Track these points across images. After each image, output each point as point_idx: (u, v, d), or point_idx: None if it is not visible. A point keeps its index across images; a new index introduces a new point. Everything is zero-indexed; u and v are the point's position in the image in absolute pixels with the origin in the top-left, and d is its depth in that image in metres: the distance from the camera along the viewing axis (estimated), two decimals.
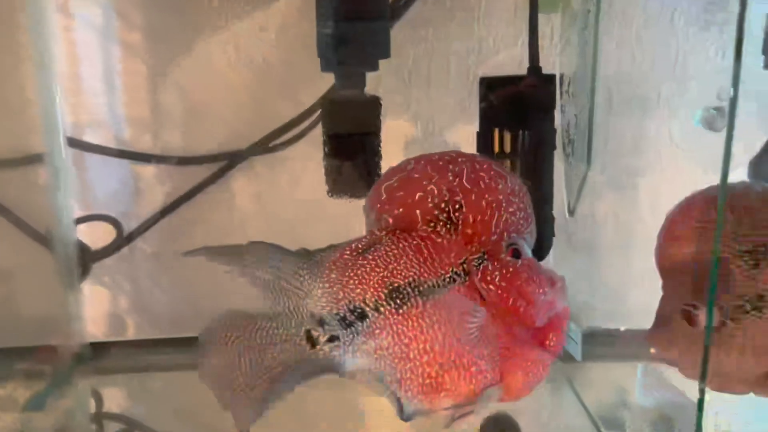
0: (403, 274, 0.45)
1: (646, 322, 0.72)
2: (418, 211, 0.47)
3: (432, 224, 0.47)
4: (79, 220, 0.75)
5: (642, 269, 0.68)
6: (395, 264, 0.45)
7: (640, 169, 0.63)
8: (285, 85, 0.75)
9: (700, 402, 0.39)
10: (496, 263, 0.47)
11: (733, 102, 0.33)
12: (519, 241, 0.48)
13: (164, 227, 0.78)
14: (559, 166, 0.65)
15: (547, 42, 0.71)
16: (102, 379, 0.76)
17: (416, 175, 0.48)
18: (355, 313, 0.45)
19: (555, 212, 0.64)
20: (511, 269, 0.47)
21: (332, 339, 0.46)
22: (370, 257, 0.46)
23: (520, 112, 0.61)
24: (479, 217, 0.47)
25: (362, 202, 0.66)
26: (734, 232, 0.45)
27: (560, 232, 0.63)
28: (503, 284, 0.46)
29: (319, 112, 0.74)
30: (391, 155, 0.59)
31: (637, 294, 0.71)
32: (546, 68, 0.63)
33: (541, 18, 0.63)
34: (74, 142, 0.73)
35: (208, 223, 0.79)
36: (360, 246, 0.47)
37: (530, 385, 0.47)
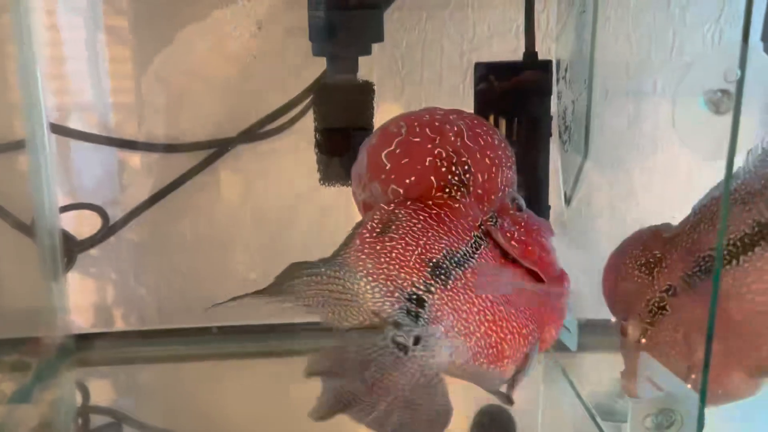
0: (437, 247, 0.43)
1: None
2: (432, 178, 0.44)
3: (447, 190, 0.45)
4: (64, 209, 0.73)
5: None
6: (425, 238, 0.43)
7: (636, 157, 0.63)
8: (273, 73, 0.74)
9: (702, 392, 0.39)
10: (509, 219, 0.46)
11: (740, 84, 0.32)
12: (517, 194, 0.47)
13: (151, 216, 0.76)
14: (555, 155, 0.64)
15: (542, 28, 0.70)
16: (88, 372, 0.75)
17: (417, 139, 0.45)
18: (414, 302, 0.42)
19: (551, 201, 0.63)
20: (523, 222, 0.46)
21: (417, 340, 0.42)
22: (397, 237, 0.43)
23: (516, 98, 0.60)
24: (486, 175, 0.45)
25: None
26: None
27: (556, 221, 0.63)
28: (524, 238, 0.45)
29: (307, 100, 0.73)
30: None
31: None
32: (540, 55, 0.62)
33: (536, 3, 0.62)
34: (57, 129, 0.72)
35: (196, 211, 0.77)
36: (376, 225, 0.44)
37: (557, 334, 0.46)
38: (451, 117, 0.47)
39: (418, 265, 0.42)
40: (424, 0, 0.73)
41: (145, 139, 0.75)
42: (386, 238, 0.43)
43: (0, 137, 0.70)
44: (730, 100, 0.35)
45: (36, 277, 0.71)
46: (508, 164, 0.47)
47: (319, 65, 0.66)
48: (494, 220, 0.45)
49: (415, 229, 0.43)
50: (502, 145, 0.47)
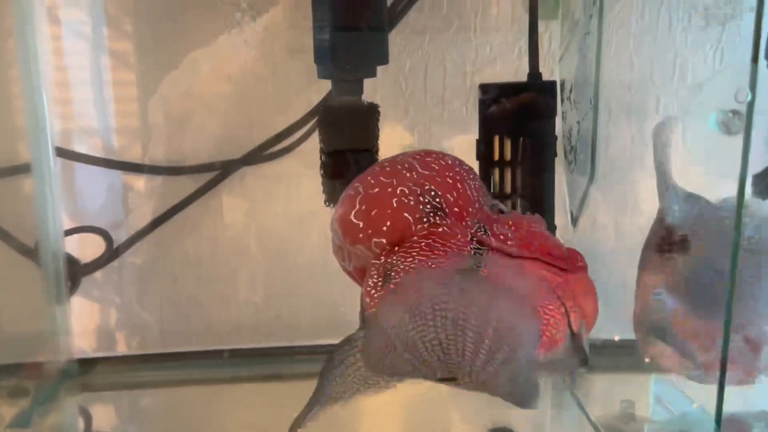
0: None
1: None
2: (406, 215, 0.45)
3: (425, 220, 0.45)
4: (68, 232, 0.73)
5: None
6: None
7: (642, 177, 0.62)
8: (277, 95, 0.74)
9: (718, 415, 0.38)
10: (496, 224, 0.46)
11: (751, 105, 0.32)
12: (495, 201, 0.48)
13: (155, 239, 0.76)
14: (561, 175, 0.64)
15: (544, 49, 0.71)
16: (90, 396, 0.74)
17: (376, 190, 0.46)
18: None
19: (557, 221, 0.63)
20: (511, 221, 0.46)
21: None
22: (402, 283, 0.43)
23: (521, 119, 0.60)
24: (455, 192, 0.46)
25: None
26: None
27: (562, 240, 0.62)
28: (518, 234, 0.45)
29: (311, 122, 0.73)
30: None
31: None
32: (544, 76, 0.62)
33: (540, 25, 0.63)
34: (62, 152, 0.72)
35: (199, 234, 0.77)
36: (377, 280, 0.44)
37: (596, 306, 0.46)
38: (398, 158, 0.48)
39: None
40: (428, 22, 0.74)
41: (150, 162, 0.75)
42: (391, 286, 0.43)
43: (5, 161, 0.70)
44: (740, 121, 0.35)
45: (39, 300, 0.70)
46: (471, 176, 0.48)
47: (324, 86, 0.66)
48: (483, 230, 0.46)
49: (412, 265, 0.43)
50: (457, 162, 0.48)
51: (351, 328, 0.78)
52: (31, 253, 0.69)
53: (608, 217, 0.68)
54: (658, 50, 0.70)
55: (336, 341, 0.76)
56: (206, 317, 0.78)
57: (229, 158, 0.76)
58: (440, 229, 0.44)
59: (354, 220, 0.46)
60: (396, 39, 0.72)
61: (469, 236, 0.45)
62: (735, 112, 0.36)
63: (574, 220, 0.63)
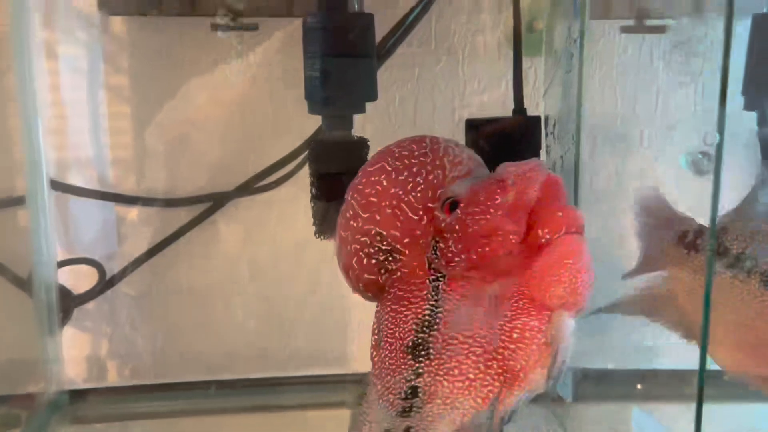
0: (406, 328, 0.43)
1: (637, 362, 0.72)
2: (366, 275, 0.44)
3: (383, 270, 0.44)
4: (62, 264, 0.73)
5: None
6: (396, 328, 0.43)
7: (625, 207, 0.64)
8: (270, 126, 0.76)
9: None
10: (445, 235, 0.42)
11: (719, 147, 0.34)
12: (450, 188, 0.43)
13: (147, 270, 0.77)
14: None
15: (530, 82, 0.73)
16: (81, 428, 0.74)
17: (340, 249, 0.46)
18: (409, 396, 0.43)
19: None
20: (456, 226, 0.41)
21: None
22: (382, 343, 0.44)
23: (506, 153, 0.61)
24: (398, 223, 0.43)
25: None
26: None
27: None
28: (461, 246, 0.40)
29: (304, 153, 0.75)
30: None
31: (627, 334, 0.71)
32: (529, 107, 0.64)
33: (524, 61, 0.65)
34: (57, 185, 0.73)
35: (192, 265, 0.78)
36: (374, 341, 0.45)
37: (579, 284, 0.39)
38: (346, 201, 0.47)
39: (402, 358, 0.43)
40: (416, 57, 0.75)
41: (143, 193, 0.76)
42: (380, 350, 0.44)
43: (1, 193, 0.71)
44: (710, 162, 0.36)
45: (31, 331, 0.71)
46: (408, 187, 0.43)
47: (316, 118, 0.68)
48: (435, 251, 0.42)
49: (389, 325, 0.44)
50: (393, 176, 0.44)
51: (343, 359, 0.79)
52: (23, 284, 0.70)
53: (594, 248, 0.69)
54: (640, 84, 0.72)
55: (328, 372, 0.77)
56: (198, 348, 0.79)
57: (222, 190, 0.77)
58: (398, 274, 0.44)
59: (344, 276, 0.46)
60: (385, 73, 0.74)
61: (427, 263, 0.43)
62: (704, 153, 0.37)
63: None
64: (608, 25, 0.72)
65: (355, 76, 0.61)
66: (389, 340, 0.43)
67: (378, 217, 0.44)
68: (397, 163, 0.44)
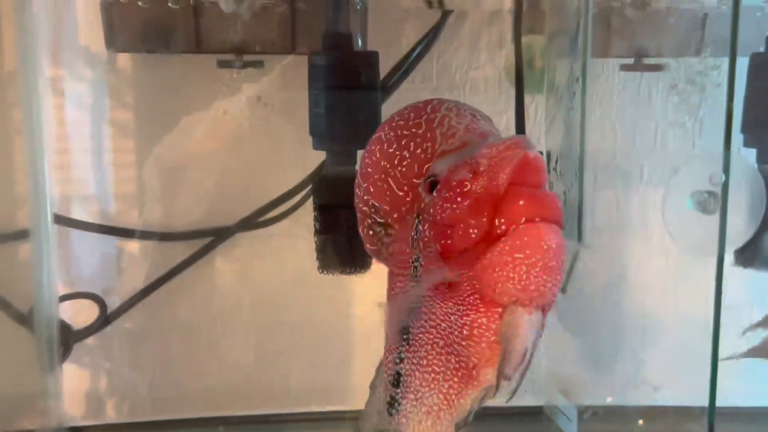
0: (402, 310, 0.41)
1: (640, 397, 0.72)
2: (368, 246, 0.43)
3: (380, 244, 0.42)
4: (63, 298, 0.73)
5: (633, 344, 0.68)
6: (397, 310, 0.42)
7: (627, 241, 0.64)
8: (273, 162, 0.76)
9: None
10: (424, 216, 0.39)
11: (725, 188, 0.34)
12: (434, 165, 0.40)
13: (148, 304, 0.76)
14: None
15: (531, 120, 0.73)
16: None
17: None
18: (394, 383, 0.42)
19: None
20: (432, 208, 0.38)
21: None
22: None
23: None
24: (386, 197, 0.41)
25: (351, 279, 0.67)
26: None
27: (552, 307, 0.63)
28: (432, 232, 0.38)
29: (306, 189, 0.75)
30: None
31: (629, 369, 0.71)
32: None
33: (525, 97, 0.66)
34: (61, 219, 0.73)
35: (192, 300, 0.78)
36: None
37: (532, 280, 0.35)
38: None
39: (393, 339, 0.42)
40: (419, 93, 0.76)
41: (145, 227, 0.76)
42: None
43: (5, 227, 0.71)
44: (716, 201, 0.36)
45: (31, 367, 0.70)
46: (395, 161, 0.41)
47: (317, 153, 0.68)
48: (416, 230, 0.40)
49: (388, 303, 0.43)
50: (384, 147, 0.41)
51: (343, 396, 0.78)
52: (24, 319, 0.70)
53: (597, 283, 0.69)
54: (639, 121, 0.73)
55: (328, 408, 0.77)
56: (198, 384, 0.78)
57: (224, 224, 0.77)
58: (391, 249, 0.42)
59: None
60: (389, 109, 0.74)
61: (411, 241, 0.40)
62: (710, 193, 0.38)
63: (563, 287, 0.64)
64: (608, 63, 0.73)
65: (359, 112, 0.62)
66: (391, 319, 0.42)
67: (372, 189, 0.42)
68: (391, 134, 0.41)
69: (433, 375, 0.40)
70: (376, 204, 0.42)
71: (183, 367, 0.78)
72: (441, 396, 0.40)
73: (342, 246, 0.65)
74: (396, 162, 0.41)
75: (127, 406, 0.78)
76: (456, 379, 0.39)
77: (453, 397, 0.40)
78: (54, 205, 0.73)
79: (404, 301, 0.41)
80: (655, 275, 0.67)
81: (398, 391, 0.42)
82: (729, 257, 0.44)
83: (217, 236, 0.77)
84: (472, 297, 0.37)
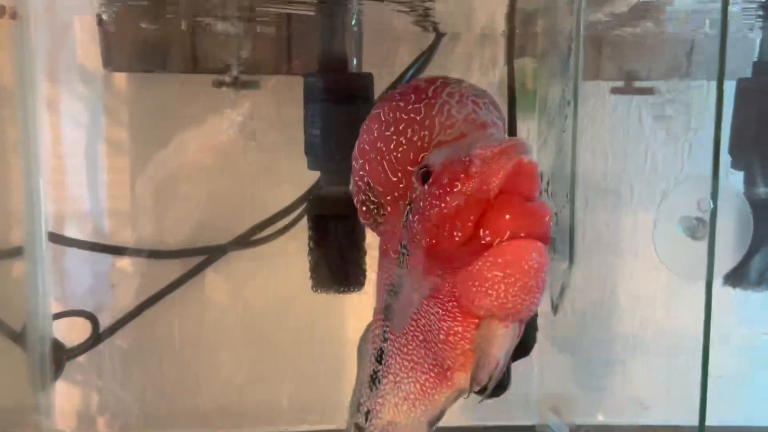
0: (386, 289, 0.42)
1: (631, 416, 0.72)
2: (363, 220, 0.44)
3: (377, 221, 0.43)
4: (56, 316, 0.73)
5: (625, 363, 0.68)
6: (381, 287, 0.43)
7: (619, 262, 0.65)
8: (267, 181, 0.77)
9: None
10: (414, 207, 0.39)
11: (714, 214, 0.35)
12: (429, 156, 0.39)
13: (140, 322, 0.76)
14: None
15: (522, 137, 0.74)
16: None
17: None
18: (378, 360, 0.43)
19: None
20: (421, 204, 0.37)
21: (367, 415, 0.44)
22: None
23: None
24: (381, 176, 0.41)
25: (344, 297, 0.67)
26: None
27: (543, 327, 0.64)
28: (420, 226, 0.37)
29: (299, 208, 0.76)
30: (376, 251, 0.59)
31: (620, 388, 0.71)
32: None
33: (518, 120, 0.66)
34: (55, 237, 0.73)
35: (185, 317, 0.78)
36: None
37: (510, 298, 0.35)
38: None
39: (380, 314, 0.43)
40: None
41: (139, 245, 0.76)
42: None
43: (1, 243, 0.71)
44: (705, 227, 0.37)
45: (24, 385, 0.70)
46: (391, 146, 0.40)
47: (312, 173, 0.69)
48: (406, 218, 0.39)
49: (378, 277, 0.43)
50: (383, 127, 0.40)
51: (337, 413, 0.78)
52: (17, 336, 0.69)
53: (587, 303, 0.70)
54: (629, 142, 0.74)
55: (321, 427, 0.76)
56: (190, 401, 0.78)
57: (217, 243, 0.77)
58: (383, 228, 0.43)
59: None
60: None
61: (402, 224, 0.40)
62: (699, 219, 0.38)
63: (555, 307, 0.65)
64: (599, 85, 0.74)
65: (354, 133, 0.62)
66: (379, 291, 0.43)
67: (367, 168, 0.42)
68: (390, 115, 0.40)
69: (412, 364, 0.41)
70: (370, 183, 0.42)
71: (175, 385, 0.78)
72: (418, 386, 0.41)
73: (336, 265, 0.65)
74: (392, 146, 0.40)
75: (119, 422, 0.78)
76: (432, 375, 0.40)
77: (429, 390, 0.41)
78: (48, 222, 0.73)
79: (388, 281, 0.42)
80: (645, 295, 0.68)
81: (380, 367, 0.43)
82: (718, 279, 0.45)
83: (210, 254, 0.78)
84: (450, 304, 0.37)
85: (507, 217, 0.34)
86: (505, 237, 0.34)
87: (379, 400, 0.43)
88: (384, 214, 0.42)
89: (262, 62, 0.71)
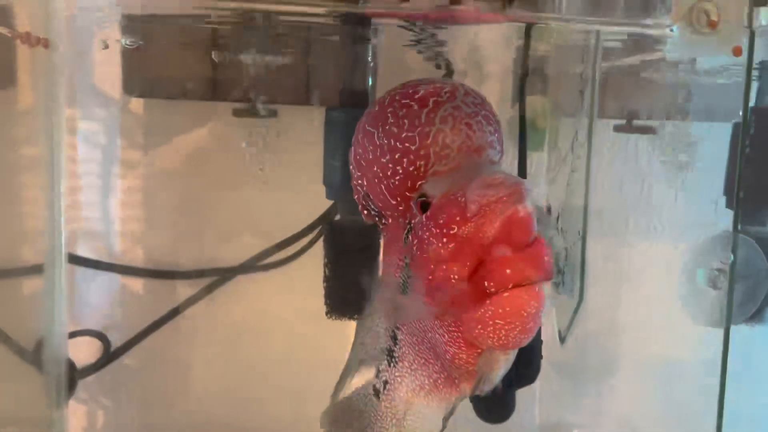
0: (391, 286, 0.45)
1: None
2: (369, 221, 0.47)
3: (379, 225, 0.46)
4: (71, 335, 0.74)
5: (629, 398, 0.70)
6: (386, 283, 0.46)
7: (626, 299, 0.67)
8: (281, 207, 0.78)
9: None
10: (414, 230, 0.40)
11: (732, 266, 0.37)
12: (427, 184, 0.40)
13: (151, 343, 0.77)
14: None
15: (529, 174, 0.77)
16: None
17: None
18: (393, 340, 0.45)
19: (544, 336, 0.67)
20: (419, 233, 0.39)
21: (385, 384, 0.46)
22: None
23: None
24: (381, 195, 0.42)
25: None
26: None
27: (549, 357, 0.66)
28: (419, 260, 0.39)
29: (309, 234, 0.77)
30: None
31: (625, 422, 0.73)
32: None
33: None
34: (75, 259, 0.74)
35: (195, 339, 0.79)
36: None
37: (511, 339, 0.37)
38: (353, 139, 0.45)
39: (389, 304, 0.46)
40: None
41: (150, 266, 0.77)
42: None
43: (17, 263, 0.71)
44: (725, 278, 0.40)
45: (40, 406, 0.70)
46: (388, 173, 0.41)
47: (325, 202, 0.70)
48: (407, 235, 0.41)
49: (385, 276, 0.46)
50: (385, 148, 0.41)
51: None
52: (33, 356, 0.70)
53: (595, 334, 0.72)
54: (632, 178, 0.76)
55: None
56: (198, 420, 0.79)
57: (228, 265, 0.79)
58: (384, 234, 0.45)
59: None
60: None
61: (404, 240, 0.42)
62: (720, 270, 0.41)
63: (562, 339, 0.67)
64: (601, 123, 0.77)
65: None
66: (384, 285, 0.45)
67: (365, 183, 0.44)
68: (384, 140, 0.41)
69: (424, 360, 0.44)
70: (369, 194, 0.44)
71: (184, 404, 0.78)
72: (431, 381, 0.44)
73: (351, 292, 0.67)
74: (389, 174, 0.41)
75: None
76: (443, 376, 0.43)
77: (441, 387, 0.44)
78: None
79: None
80: (653, 331, 0.69)
81: (395, 348, 0.45)
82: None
83: (220, 276, 0.79)
84: (455, 334, 0.40)
85: (508, 271, 0.36)
86: (508, 287, 0.36)
87: (398, 377, 0.45)
88: (385, 223, 0.45)
89: (282, 92, 0.73)
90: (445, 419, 0.45)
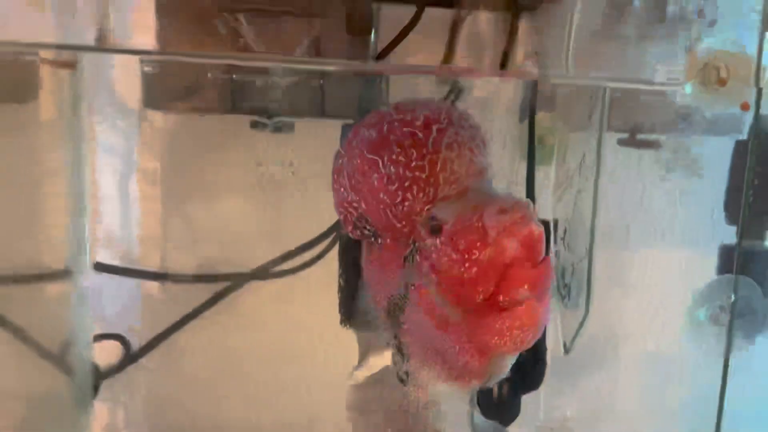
0: (388, 293, 0.47)
1: None
2: (361, 242, 0.47)
3: (359, 232, 0.46)
4: (95, 339, 0.76)
5: (632, 411, 0.71)
6: (377, 288, 0.48)
7: (629, 310, 0.69)
8: (295, 216, 0.80)
9: None
10: (422, 251, 0.41)
11: (734, 306, 0.40)
12: (436, 209, 0.41)
13: (168, 347, 0.79)
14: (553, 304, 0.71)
15: (538, 189, 0.78)
16: None
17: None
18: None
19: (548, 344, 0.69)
20: (434, 256, 0.40)
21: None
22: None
23: None
24: (379, 213, 0.43)
25: None
26: None
27: (553, 368, 0.68)
28: (432, 277, 0.41)
29: (327, 240, 0.79)
30: None
31: (628, 427, 0.75)
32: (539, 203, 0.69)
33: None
34: (100, 266, 0.76)
35: (209, 344, 0.80)
36: None
37: (521, 346, 0.41)
38: (339, 159, 0.46)
39: (384, 316, 0.48)
40: None
41: (167, 271, 0.79)
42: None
43: (44, 268, 0.73)
44: (726, 316, 0.42)
45: (67, 409, 0.72)
46: (396, 200, 0.42)
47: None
48: (412, 256, 0.43)
49: (373, 284, 0.49)
50: (384, 177, 0.42)
51: None
52: (59, 361, 0.72)
53: (599, 346, 0.74)
54: (637, 194, 0.78)
55: None
56: (216, 424, 0.81)
57: (240, 271, 0.81)
58: (379, 252, 0.46)
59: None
60: None
61: (403, 261, 0.43)
62: (722, 308, 0.43)
63: (567, 350, 0.69)
64: (606, 136, 0.79)
65: None
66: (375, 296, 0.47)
67: (364, 206, 0.44)
68: (392, 170, 0.42)
69: (434, 355, 0.46)
70: (367, 217, 0.45)
71: (201, 407, 0.80)
72: (444, 374, 0.46)
73: (365, 302, 0.69)
74: (398, 201, 0.42)
75: None
76: (455, 371, 0.45)
77: (456, 379, 0.46)
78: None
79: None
80: (657, 345, 0.71)
81: (403, 345, 0.47)
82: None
83: (233, 282, 0.81)
84: (466, 344, 0.42)
85: (526, 287, 0.40)
86: (521, 300, 0.40)
87: (414, 371, 0.47)
88: (380, 242, 0.46)
89: (299, 106, 0.75)
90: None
